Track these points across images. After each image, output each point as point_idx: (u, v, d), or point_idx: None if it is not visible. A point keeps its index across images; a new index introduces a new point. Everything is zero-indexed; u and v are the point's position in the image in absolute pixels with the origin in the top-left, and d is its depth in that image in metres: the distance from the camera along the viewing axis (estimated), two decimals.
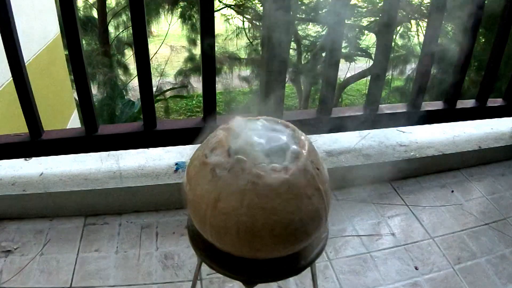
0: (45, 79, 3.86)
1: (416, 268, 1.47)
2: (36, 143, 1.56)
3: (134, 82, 7.89)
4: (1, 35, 1.33)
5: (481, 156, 2.01)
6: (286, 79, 1.74)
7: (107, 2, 8.17)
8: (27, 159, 1.75)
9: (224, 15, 8.41)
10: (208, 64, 1.54)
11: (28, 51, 3.34)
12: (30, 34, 3.52)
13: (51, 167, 1.71)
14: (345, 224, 1.66)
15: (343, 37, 1.68)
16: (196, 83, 8.28)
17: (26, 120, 1.52)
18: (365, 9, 7.83)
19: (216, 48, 1.57)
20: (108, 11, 8.20)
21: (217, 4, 7.70)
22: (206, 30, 1.47)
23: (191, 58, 8.48)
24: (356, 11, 7.62)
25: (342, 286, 1.40)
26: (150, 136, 1.64)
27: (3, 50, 1.36)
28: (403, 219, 1.70)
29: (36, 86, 1.54)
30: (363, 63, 8.79)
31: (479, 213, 1.73)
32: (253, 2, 8.16)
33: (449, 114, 1.97)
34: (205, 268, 1.20)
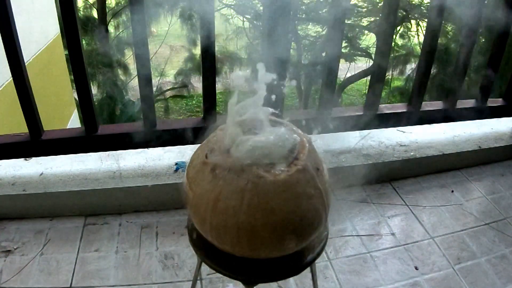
0: (45, 79, 3.87)
1: (416, 268, 1.47)
2: (36, 143, 1.56)
3: (134, 82, 7.90)
4: (1, 35, 1.33)
5: (481, 156, 2.01)
6: (286, 79, 1.74)
7: (107, 2, 8.17)
8: (27, 159, 1.75)
9: (224, 15, 8.42)
10: (208, 63, 1.54)
11: (28, 51, 3.34)
12: (30, 34, 3.52)
13: (51, 167, 1.71)
14: (345, 224, 1.66)
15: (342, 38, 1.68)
16: (196, 83, 8.29)
17: (26, 120, 1.52)
18: (365, 9, 7.84)
19: (216, 48, 1.57)
20: (108, 11, 8.21)
21: (217, 4, 7.70)
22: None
23: (191, 58, 8.49)
24: (356, 11, 7.63)
25: (342, 286, 1.40)
26: (150, 136, 1.64)
27: (3, 50, 1.36)
28: (403, 219, 1.70)
29: (36, 86, 1.54)
30: (363, 63, 8.79)
31: (479, 213, 1.73)
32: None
33: (449, 114, 1.96)
34: (205, 268, 1.20)
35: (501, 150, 2.03)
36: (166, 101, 8.81)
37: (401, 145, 1.96)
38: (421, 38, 7.63)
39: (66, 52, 4.56)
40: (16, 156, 1.65)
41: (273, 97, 0.91)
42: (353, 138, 1.97)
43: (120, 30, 8.30)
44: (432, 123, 2.01)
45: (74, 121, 4.75)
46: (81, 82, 1.48)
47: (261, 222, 0.79)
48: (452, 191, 1.85)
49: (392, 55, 7.60)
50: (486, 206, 1.77)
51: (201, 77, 1.60)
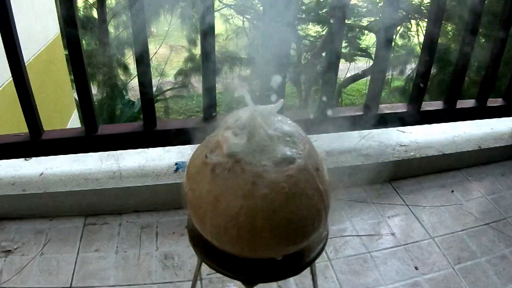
0: (45, 79, 3.86)
1: (416, 268, 1.47)
2: (36, 143, 1.56)
3: (134, 82, 7.90)
4: (1, 35, 1.33)
5: (481, 156, 2.01)
6: (286, 79, 1.74)
7: (107, 2, 8.17)
8: (27, 159, 1.75)
9: (224, 15, 8.42)
10: (208, 64, 1.54)
11: (28, 51, 3.33)
12: (30, 34, 3.52)
13: (51, 167, 1.71)
14: (345, 224, 1.66)
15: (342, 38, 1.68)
16: (196, 83, 8.29)
17: (26, 120, 1.52)
18: (365, 9, 7.84)
19: (216, 48, 1.57)
20: (108, 11, 8.21)
21: (217, 4, 7.70)
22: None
23: (191, 58, 8.48)
24: (356, 11, 7.63)
25: (342, 286, 1.40)
26: (150, 136, 1.64)
27: (3, 50, 1.36)
28: (403, 219, 1.70)
29: (36, 86, 1.54)
30: (363, 63, 8.79)
31: (479, 213, 1.73)
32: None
33: (449, 114, 1.96)
34: (205, 268, 1.20)
35: (501, 150, 2.02)
36: (166, 101, 8.80)
37: (401, 145, 1.96)
38: (421, 38, 7.63)
39: (66, 52, 4.56)
40: (16, 156, 1.65)
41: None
42: (353, 138, 1.97)
43: (120, 30, 8.30)
44: (432, 123, 2.01)
45: (74, 121, 4.74)
46: (81, 82, 1.48)
47: (261, 222, 0.79)
48: (452, 191, 1.85)
49: (392, 55, 7.60)
50: (486, 206, 1.77)
51: (201, 77, 1.60)
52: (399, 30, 8.01)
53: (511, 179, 1.94)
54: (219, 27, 8.20)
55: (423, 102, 1.89)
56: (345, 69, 8.74)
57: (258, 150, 0.85)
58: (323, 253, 1.39)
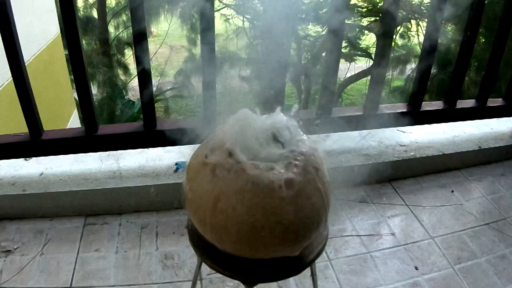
0: (45, 79, 3.87)
1: (416, 268, 1.47)
2: (36, 143, 1.56)
3: (134, 82, 7.90)
4: (1, 35, 1.34)
5: (481, 156, 2.01)
6: (286, 79, 1.74)
7: (107, 2, 8.17)
8: (27, 159, 1.75)
9: (224, 15, 8.42)
10: (207, 64, 1.54)
11: (28, 51, 3.34)
12: (30, 34, 3.52)
13: (51, 167, 1.71)
14: (345, 224, 1.66)
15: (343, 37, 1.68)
16: (196, 83, 8.28)
17: (26, 120, 1.52)
18: (365, 9, 7.84)
19: (216, 48, 1.57)
20: (108, 11, 8.21)
21: (217, 4, 7.70)
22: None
23: (191, 58, 8.49)
24: (356, 11, 7.63)
25: (342, 286, 1.40)
26: (150, 136, 1.64)
27: (3, 50, 1.36)
28: (403, 219, 1.70)
29: (36, 86, 1.54)
30: (363, 63, 8.80)
31: (479, 213, 1.73)
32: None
33: (449, 114, 1.96)
34: (205, 268, 1.20)
35: (501, 150, 2.02)
36: (166, 101, 8.81)
37: (401, 145, 1.96)
38: (421, 38, 7.63)
39: (66, 52, 4.56)
40: (16, 156, 1.65)
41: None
42: (353, 138, 1.97)
43: (120, 30, 8.30)
44: (432, 123, 2.01)
45: (74, 121, 4.75)
46: (81, 82, 1.48)
47: (261, 222, 0.79)
48: (452, 191, 1.85)
49: (392, 55, 7.60)
50: (486, 206, 1.77)
51: (201, 77, 1.60)
52: (399, 30, 8.02)
53: (511, 179, 1.94)
54: (219, 27, 8.20)
55: (423, 102, 1.89)
56: (345, 69, 8.75)
57: (259, 150, 0.85)
58: (323, 253, 1.39)
